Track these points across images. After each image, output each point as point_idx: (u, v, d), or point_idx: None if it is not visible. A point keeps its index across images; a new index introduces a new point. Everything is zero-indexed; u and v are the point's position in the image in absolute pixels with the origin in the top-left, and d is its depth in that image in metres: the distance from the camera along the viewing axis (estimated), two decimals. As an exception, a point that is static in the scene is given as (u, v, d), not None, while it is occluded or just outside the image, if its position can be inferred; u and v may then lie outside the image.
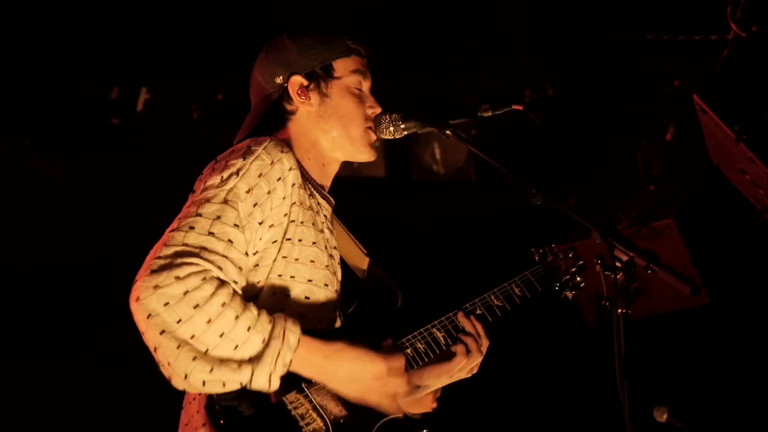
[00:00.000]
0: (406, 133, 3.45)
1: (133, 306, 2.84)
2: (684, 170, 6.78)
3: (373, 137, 3.45)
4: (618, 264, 2.98)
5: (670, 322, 6.94)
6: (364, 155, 3.46)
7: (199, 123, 6.86)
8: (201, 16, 6.41)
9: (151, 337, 2.83)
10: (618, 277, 2.97)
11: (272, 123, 3.40)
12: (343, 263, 3.45)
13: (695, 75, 6.27)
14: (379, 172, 7.27)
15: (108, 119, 6.76)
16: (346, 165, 6.92)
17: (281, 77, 3.38)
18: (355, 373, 3.03)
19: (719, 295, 6.49)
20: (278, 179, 3.09)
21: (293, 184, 3.13)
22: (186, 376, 2.82)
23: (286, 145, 3.29)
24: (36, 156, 6.61)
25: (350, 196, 7.15)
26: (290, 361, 2.92)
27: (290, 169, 3.12)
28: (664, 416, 5.09)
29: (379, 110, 3.46)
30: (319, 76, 3.38)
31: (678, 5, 6.34)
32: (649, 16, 6.47)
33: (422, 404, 5.60)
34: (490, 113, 3.38)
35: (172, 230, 2.96)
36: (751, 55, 4.83)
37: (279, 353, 2.90)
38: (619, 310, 2.94)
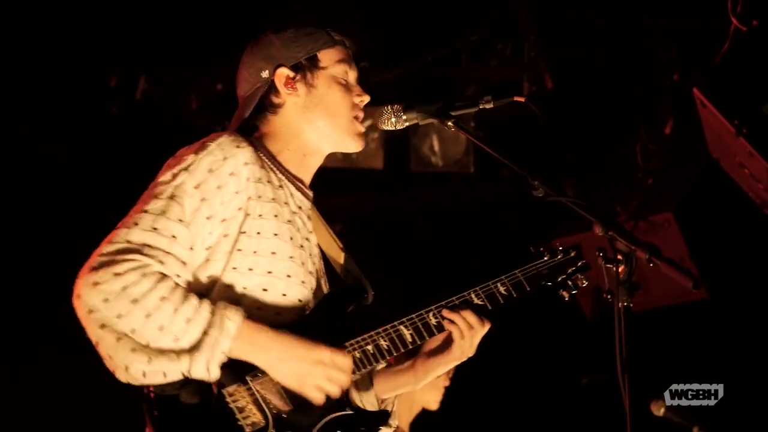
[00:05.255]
0: (407, 124, 3.43)
1: (75, 303, 2.91)
2: (683, 164, 6.78)
3: (361, 127, 3.44)
4: (620, 257, 2.96)
5: (668, 317, 6.95)
6: (350, 145, 3.43)
7: (197, 112, 6.87)
8: (200, 5, 6.41)
9: (92, 332, 2.90)
10: (619, 270, 2.96)
11: (259, 117, 3.40)
12: (323, 257, 3.48)
13: (695, 69, 6.27)
14: (377, 163, 7.27)
15: (106, 108, 6.76)
16: (344, 157, 7.02)
17: (267, 71, 3.36)
18: (297, 355, 3.04)
19: (717, 290, 6.48)
20: (230, 174, 3.11)
21: (248, 179, 3.14)
22: (126, 368, 2.88)
23: (265, 138, 3.35)
24: (37, 144, 6.62)
25: (348, 188, 7.24)
26: (229, 349, 2.95)
27: (245, 163, 3.14)
28: (662, 410, 5.09)
29: (367, 98, 3.45)
30: (305, 67, 3.36)
31: (679, -1, 6.36)
32: (650, 9, 6.47)
33: (436, 386, 5.65)
34: (491, 104, 3.35)
35: (118, 227, 3.01)
36: (752, 49, 4.82)
37: (216, 341, 2.93)
38: (621, 303, 2.92)
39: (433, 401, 5.67)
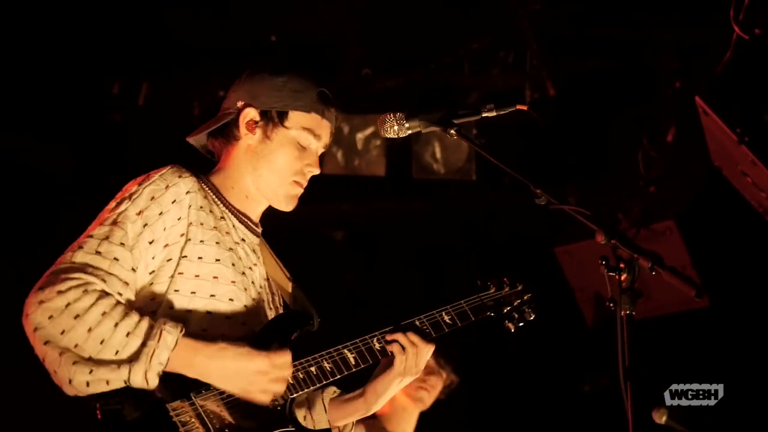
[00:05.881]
0: (410, 132, 3.45)
1: (23, 322, 3.07)
2: (685, 172, 6.78)
3: (299, 191, 3.53)
4: (622, 265, 2.97)
5: (669, 324, 6.94)
6: (280, 204, 3.54)
7: (199, 118, 6.86)
8: (204, 13, 6.43)
9: (38, 349, 3.06)
10: (622, 278, 2.96)
11: (220, 140, 3.53)
12: (270, 288, 3.58)
13: (697, 77, 6.27)
14: (379, 170, 7.27)
15: (108, 114, 6.78)
16: (346, 164, 7.02)
17: (242, 103, 3.49)
18: (237, 370, 3.15)
19: (719, 298, 6.48)
20: (173, 202, 3.26)
21: (190, 206, 3.28)
22: (70, 381, 3.01)
23: (220, 169, 3.50)
24: (40, 151, 6.63)
25: (350, 195, 7.25)
26: (167, 360, 3.06)
27: (187, 192, 3.29)
28: (664, 418, 5.09)
29: (316, 172, 3.53)
30: (271, 118, 3.47)
31: (681, 7, 6.35)
32: (652, 18, 6.48)
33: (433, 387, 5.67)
34: (494, 113, 3.37)
35: (66, 251, 3.18)
36: (754, 58, 4.82)
37: (154, 352, 3.04)
38: (624, 311, 2.93)
39: (419, 399, 5.65)
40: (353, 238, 8.04)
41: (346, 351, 3.42)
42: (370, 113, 6.95)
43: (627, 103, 6.93)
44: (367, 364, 3.45)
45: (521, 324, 3.69)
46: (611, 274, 3.00)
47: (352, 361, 3.42)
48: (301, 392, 3.34)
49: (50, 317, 3.01)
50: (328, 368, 3.37)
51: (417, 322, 3.51)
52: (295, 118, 3.47)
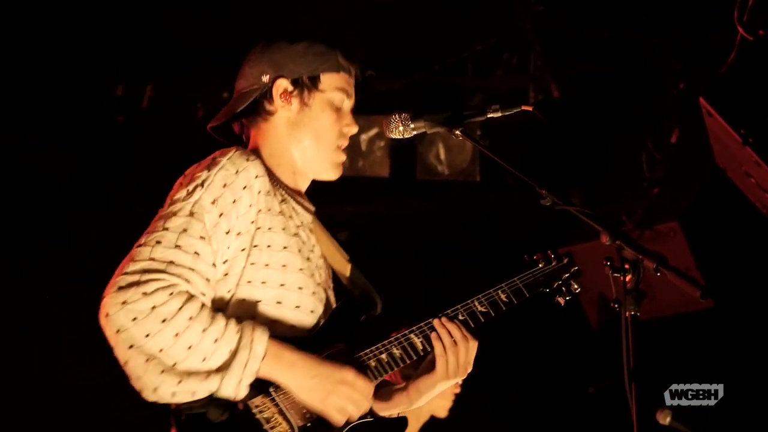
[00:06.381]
0: (415, 133, 3.44)
1: (103, 322, 2.93)
2: (689, 173, 6.78)
3: (342, 157, 3.47)
4: (627, 266, 2.97)
5: (673, 325, 6.94)
6: (328, 173, 3.47)
7: (203, 120, 6.87)
8: (206, 14, 6.43)
9: (120, 352, 2.93)
10: (627, 279, 2.96)
11: (250, 120, 3.44)
12: (327, 269, 3.52)
13: (701, 78, 6.28)
14: (383, 171, 7.28)
15: (113, 116, 6.78)
16: (350, 165, 7.03)
17: (268, 76, 3.38)
18: (322, 374, 3.11)
19: (723, 299, 6.48)
20: (243, 188, 3.14)
21: (259, 192, 3.18)
22: (155, 389, 2.93)
23: (258, 151, 3.38)
24: (41, 152, 6.63)
25: (354, 196, 7.26)
26: (258, 369, 3.01)
27: (257, 176, 3.18)
28: (668, 419, 5.08)
29: (355, 129, 3.48)
30: (304, 85, 3.39)
31: (685, 8, 6.36)
32: (656, 19, 6.48)
33: (444, 394, 5.67)
34: (499, 113, 3.36)
35: (139, 245, 3.03)
36: (758, 59, 4.81)
37: (247, 363, 2.99)
38: (628, 313, 2.93)
39: (441, 408, 5.67)
40: (356, 240, 8.04)
41: (413, 336, 3.37)
42: (374, 114, 6.96)
43: (630, 104, 6.93)
44: (433, 349, 3.40)
45: (569, 298, 3.63)
46: (616, 275, 2.99)
47: (420, 346, 3.37)
48: (375, 381, 3.28)
49: (134, 319, 2.88)
50: (398, 355, 3.33)
51: (476, 302, 3.46)
52: (327, 80, 3.39)
